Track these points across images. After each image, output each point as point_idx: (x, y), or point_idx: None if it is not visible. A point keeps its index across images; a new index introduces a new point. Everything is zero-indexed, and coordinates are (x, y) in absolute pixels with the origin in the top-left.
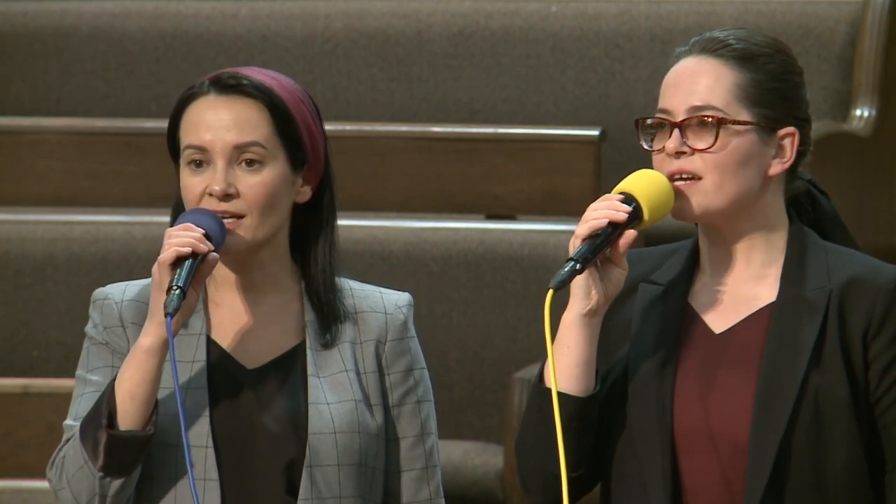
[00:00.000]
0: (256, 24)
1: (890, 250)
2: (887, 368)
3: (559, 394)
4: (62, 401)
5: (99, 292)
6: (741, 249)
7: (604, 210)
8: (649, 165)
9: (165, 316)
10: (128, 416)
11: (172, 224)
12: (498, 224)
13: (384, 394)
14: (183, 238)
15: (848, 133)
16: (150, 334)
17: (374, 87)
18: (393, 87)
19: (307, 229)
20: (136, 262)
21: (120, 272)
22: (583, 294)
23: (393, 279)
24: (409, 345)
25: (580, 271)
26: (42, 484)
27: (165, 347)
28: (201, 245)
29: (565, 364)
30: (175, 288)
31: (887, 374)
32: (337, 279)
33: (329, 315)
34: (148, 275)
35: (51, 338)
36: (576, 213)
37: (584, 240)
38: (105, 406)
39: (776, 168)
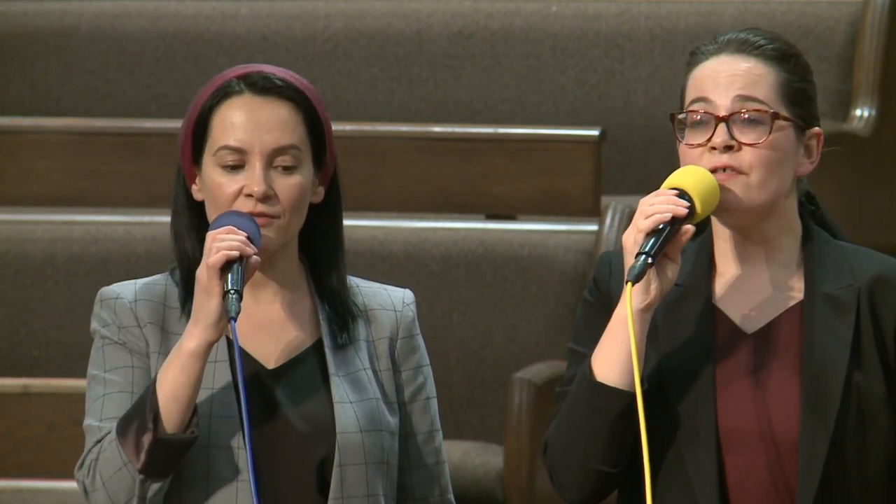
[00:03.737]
0: (256, 24)
1: (890, 250)
2: None
3: (611, 389)
4: (62, 401)
5: (108, 291)
6: (764, 249)
7: (664, 205)
8: (647, 166)
9: (229, 320)
10: (171, 418)
11: (176, 220)
12: (498, 224)
13: (398, 391)
14: (230, 241)
15: (848, 133)
16: (196, 337)
17: (374, 87)
18: (393, 87)
19: (314, 228)
20: (136, 262)
21: (120, 272)
22: (642, 289)
23: (393, 279)
24: (417, 342)
25: (652, 265)
26: (42, 484)
27: (210, 350)
28: (248, 248)
29: (619, 359)
30: (233, 292)
31: None
32: None
33: (344, 314)
34: (148, 274)
35: (51, 338)
36: (576, 213)
37: (647, 234)
38: (149, 408)
39: (805, 168)
